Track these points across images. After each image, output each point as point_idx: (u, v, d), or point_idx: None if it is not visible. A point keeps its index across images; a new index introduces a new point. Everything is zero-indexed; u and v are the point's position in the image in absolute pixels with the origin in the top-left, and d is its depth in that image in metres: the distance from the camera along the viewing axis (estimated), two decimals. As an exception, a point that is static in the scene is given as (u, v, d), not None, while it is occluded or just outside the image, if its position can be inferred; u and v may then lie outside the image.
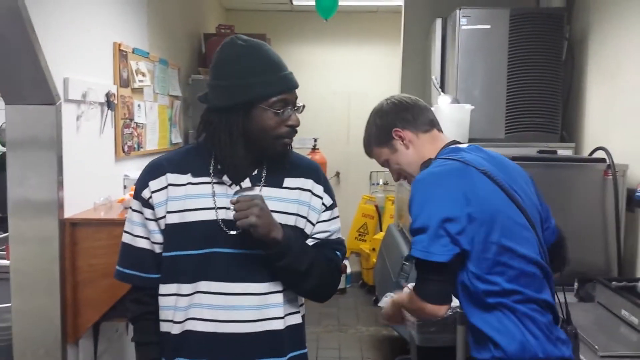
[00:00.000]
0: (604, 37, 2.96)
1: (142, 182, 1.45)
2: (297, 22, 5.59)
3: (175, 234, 1.40)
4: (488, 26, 2.99)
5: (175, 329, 1.41)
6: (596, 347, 1.74)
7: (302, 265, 1.39)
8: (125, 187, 2.83)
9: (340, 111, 5.78)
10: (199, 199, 1.40)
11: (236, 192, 1.37)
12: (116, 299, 2.31)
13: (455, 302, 2.42)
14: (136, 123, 3.00)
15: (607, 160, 2.59)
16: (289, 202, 1.44)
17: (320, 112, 5.73)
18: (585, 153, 3.01)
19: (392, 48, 5.02)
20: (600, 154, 2.70)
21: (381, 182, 5.77)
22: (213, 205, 1.40)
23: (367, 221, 5.70)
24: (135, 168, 2.95)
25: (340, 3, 4.64)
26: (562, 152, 2.83)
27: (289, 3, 5.14)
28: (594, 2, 3.08)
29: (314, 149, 5.63)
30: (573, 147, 3.07)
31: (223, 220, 1.39)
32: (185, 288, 1.40)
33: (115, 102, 2.71)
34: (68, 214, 2.33)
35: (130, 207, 1.48)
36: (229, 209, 1.37)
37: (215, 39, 4.31)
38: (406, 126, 1.66)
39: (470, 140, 2.97)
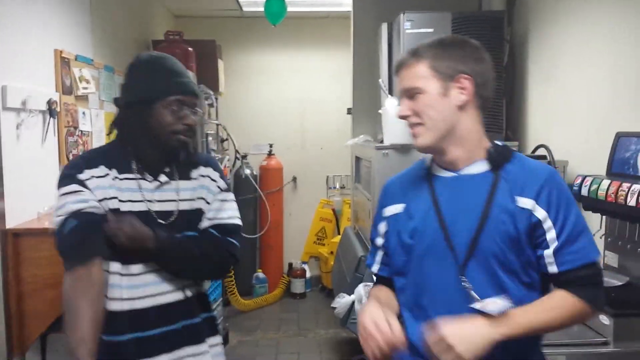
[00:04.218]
0: (543, 39, 3.06)
1: (76, 169, 1.56)
2: (248, 28, 5.58)
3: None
4: (431, 30, 3.06)
5: (125, 306, 1.55)
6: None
7: (180, 264, 1.61)
8: (71, 196, 2.77)
9: (294, 116, 5.79)
10: (129, 192, 1.58)
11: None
12: (62, 310, 2.27)
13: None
14: (81, 131, 2.94)
15: (548, 157, 2.68)
16: (196, 190, 1.66)
17: (274, 118, 5.73)
18: (528, 151, 3.11)
19: (343, 53, 5.06)
20: (542, 152, 2.79)
21: (338, 186, 5.81)
22: (142, 199, 1.58)
23: (325, 225, 5.72)
24: (81, 177, 2.89)
25: (290, 9, 4.66)
26: (505, 151, 2.91)
27: (239, 9, 5.12)
28: (533, 5, 3.18)
29: (270, 154, 5.63)
30: (517, 145, 3.17)
31: (155, 211, 1.59)
32: (134, 268, 1.56)
33: (58, 109, 2.66)
34: (11, 224, 2.28)
35: (63, 194, 1.53)
36: (153, 201, 1.59)
37: (164, 45, 4.26)
38: (477, 86, 1.32)
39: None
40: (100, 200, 1.54)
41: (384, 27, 3.45)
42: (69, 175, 1.56)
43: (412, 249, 1.34)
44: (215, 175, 1.70)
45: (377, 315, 1.27)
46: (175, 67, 1.62)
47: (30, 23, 2.54)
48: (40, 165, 2.58)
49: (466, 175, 1.34)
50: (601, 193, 2.03)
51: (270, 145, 5.63)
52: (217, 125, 4.73)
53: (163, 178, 1.62)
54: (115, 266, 1.54)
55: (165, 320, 1.59)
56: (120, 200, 1.56)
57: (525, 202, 1.27)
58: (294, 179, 5.88)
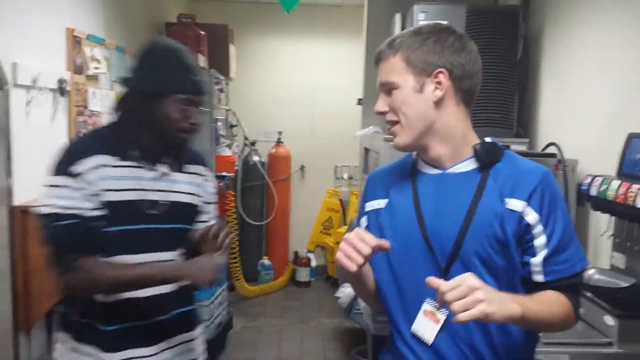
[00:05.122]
0: (558, 35, 3.02)
1: (69, 159, 1.53)
2: (261, 14, 5.56)
3: (112, 211, 1.53)
4: (445, 22, 3.02)
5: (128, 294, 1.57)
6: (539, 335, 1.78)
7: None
8: (79, 176, 2.78)
9: (304, 104, 5.77)
10: (126, 180, 1.56)
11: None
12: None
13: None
14: (91, 111, 2.94)
15: (558, 155, 2.65)
16: (190, 185, 1.69)
17: (284, 105, 5.72)
18: (539, 149, 3.08)
19: (355, 42, 5.04)
20: (552, 150, 2.77)
21: (346, 177, 5.80)
22: (138, 187, 1.57)
23: (331, 215, 5.72)
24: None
25: (305, -4, 4.64)
26: (515, 148, 2.87)
27: (254, -5, 5.12)
28: (549, 2, 3.14)
29: (279, 142, 5.62)
30: (527, 143, 3.14)
31: (149, 200, 1.58)
32: (134, 259, 1.56)
33: (68, 88, 2.65)
34: (19, 201, 2.28)
35: (52, 185, 1.52)
36: (150, 190, 1.58)
37: (176, 28, 4.26)
38: (456, 80, 1.25)
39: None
40: (93, 195, 1.51)
41: (398, 18, 3.42)
42: (62, 165, 1.53)
43: (393, 249, 1.22)
44: (210, 175, 1.79)
45: (359, 230, 1.19)
46: (190, 63, 1.61)
47: (42, 1, 2.53)
48: (49, 143, 2.57)
49: (452, 174, 1.27)
50: (610, 194, 2.01)
51: (280, 133, 5.62)
52: (227, 110, 4.73)
53: (164, 169, 1.63)
54: (119, 259, 1.55)
55: (164, 309, 1.62)
56: (114, 190, 1.54)
57: (515, 204, 1.20)
58: (302, 168, 5.87)
